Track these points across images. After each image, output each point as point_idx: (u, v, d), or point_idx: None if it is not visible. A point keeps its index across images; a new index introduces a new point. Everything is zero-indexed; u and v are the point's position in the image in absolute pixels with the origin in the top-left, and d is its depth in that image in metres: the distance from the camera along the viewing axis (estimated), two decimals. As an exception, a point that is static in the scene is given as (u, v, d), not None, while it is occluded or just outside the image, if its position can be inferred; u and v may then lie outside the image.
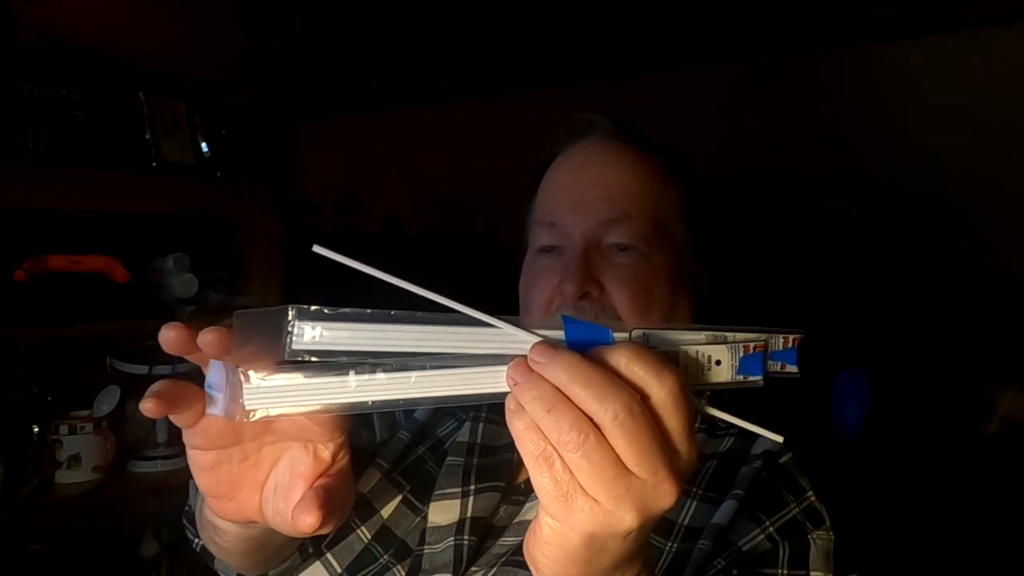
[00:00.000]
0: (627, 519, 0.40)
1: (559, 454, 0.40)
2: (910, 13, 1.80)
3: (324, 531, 0.52)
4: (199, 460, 0.52)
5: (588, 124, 0.85)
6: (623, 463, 0.39)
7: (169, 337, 0.46)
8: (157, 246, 1.81)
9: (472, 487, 0.76)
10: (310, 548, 0.75)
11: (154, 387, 0.47)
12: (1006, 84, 1.80)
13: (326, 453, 0.52)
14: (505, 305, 0.83)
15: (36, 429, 1.64)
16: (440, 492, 0.76)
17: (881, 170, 1.92)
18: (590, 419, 0.39)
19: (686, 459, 0.41)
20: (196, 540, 0.79)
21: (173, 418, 0.49)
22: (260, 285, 1.94)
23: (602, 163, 0.81)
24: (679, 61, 2.20)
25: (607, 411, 0.39)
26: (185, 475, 0.67)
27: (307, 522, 0.50)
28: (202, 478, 0.53)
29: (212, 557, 0.77)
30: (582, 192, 0.79)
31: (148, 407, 0.46)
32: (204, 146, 1.86)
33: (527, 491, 0.77)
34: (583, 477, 0.39)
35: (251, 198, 1.91)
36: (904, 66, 1.92)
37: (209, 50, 2.24)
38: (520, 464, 0.79)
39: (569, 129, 0.86)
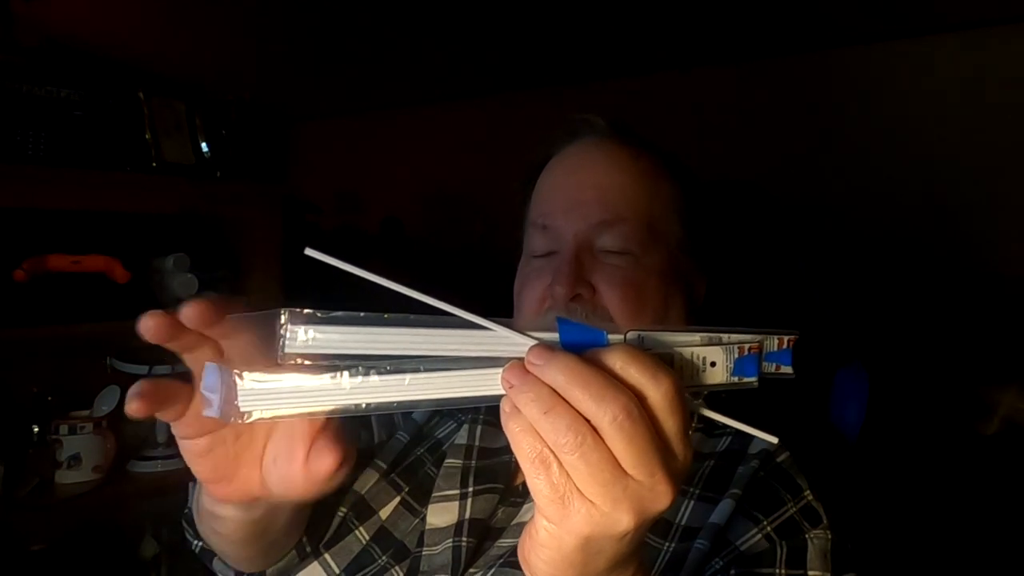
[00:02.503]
0: (623, 521, 0.40)
1: (556, 456, 0.40)
2: (910, 13, 1.80)
3: (342, 474, 0.52)
4: (193, 448, 0.53)
5: (584, 124, 0.85)
6: (620, 465, 0.39)
7: (149, 327, 0.46)
8: (157, 246, 1.81)
9: (470, 489, 0.76)
10: (307, 547, 0.75)
11: (135, 388, 0.47)
12: (1006, 84, 1.80)
13: None
14: (505, 305, 0.83)
15: (36, 429, 1.64)
16: (438, 494, 0.76)
17: (881, 170, 1.92)
18: (586, 421, 0.39)
19: (682, 460, 0.41)
20: (196, 542, 0.79)
21: (159, 415, 0.49)
22: (260, 285, 1.94)
23: (596, 164, 0.80)
24: (679, 62, 2.20)
25: (605, 413, 0.39)
26: (185, 475, 0.67)
27: (327, 462, 0.50)
28: (199, 465, 0.53)
29: (211, 558, 0.77)
30: (575, 194, 0.79)
31: (133, 408, 0.47)
32: (204, 146, 1.85)
33: (525, 493, 0.77)
34: (580, 479, 0.39)
35: (251, 198, 1.91)
36: (904, 66, 1.92)
37: (209, 50, 2.24)
38: (518, 466, 0.79)
39: (564, 130, 0.85)
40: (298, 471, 0.52)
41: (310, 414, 0.42)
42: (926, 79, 1.88)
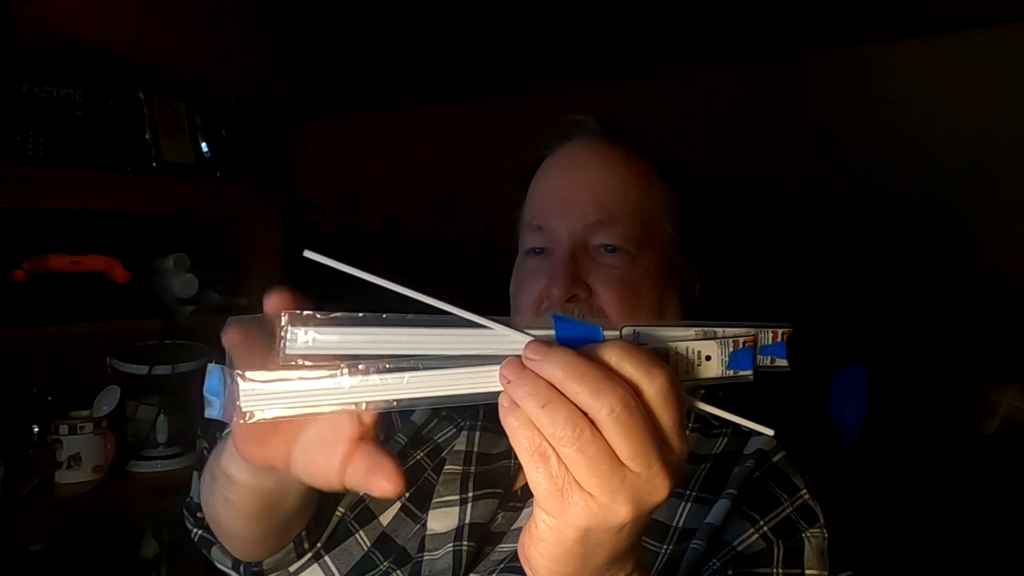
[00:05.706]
0: (621, 512, 0.40)
1: (554, 449, 0.40)
2: (909, 13, 1.81)
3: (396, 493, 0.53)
4: None
5: (575, 125, 0.85)
6: (617, 457, 0.40)
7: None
8: (157, 246, 1.81)
9: (470, 494, 0.77)
10: (305, 543, 0.76)
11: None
12: (1006, 84, 1.80)
13: (368, 418, 0.52)
14: (505, 305, 0.84)
15: (36, 429, 1.64)
16: (439, 500, 0.77)
17: (881, 169, 1.92)
18: (584, 414, 0.40)
19: (678, 454, 0.42)
20: (196, 531, 0.79)
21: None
22: (260, 285, 1.93)
23: (588, 165, 0.81)
24: (679, 61, 2.20)
25: (603, 405, 0.39)
26: (185, 475, 0.67)
27: (385, 487, 0.50)
28: None
29: (209, 546, 0.77)
30: (569, 195, 0.79)
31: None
32: (204, 146, 1.86)
33: (524, 498, 0.78)
34: (578, 471, 0.40)
35: (251, 198, 1.92)
36: (904, 66, 1.92)
37: (209, 50, 2.24)
38: (517, 471, 0.80)
39: (556, 131, 0.86)
40: (333, 466, 0.51)
41: (311, 414, 0.43)
42: (926, 79, 1.88)
